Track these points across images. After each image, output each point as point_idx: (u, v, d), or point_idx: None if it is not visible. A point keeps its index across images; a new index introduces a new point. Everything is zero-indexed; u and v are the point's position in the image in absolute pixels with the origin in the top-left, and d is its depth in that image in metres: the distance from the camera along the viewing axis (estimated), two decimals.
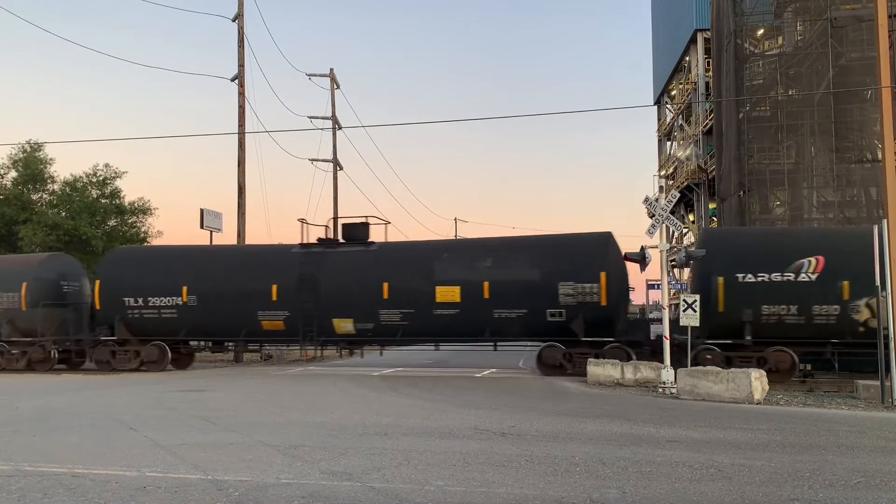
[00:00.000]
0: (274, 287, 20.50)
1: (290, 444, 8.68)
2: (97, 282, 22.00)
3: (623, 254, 16.83)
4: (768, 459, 7.90)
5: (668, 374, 15.13)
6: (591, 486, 6.66)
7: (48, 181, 33.85)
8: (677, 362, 15.44)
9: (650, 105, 54.28)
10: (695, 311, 15.68)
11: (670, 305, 16.71)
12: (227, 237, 30.28)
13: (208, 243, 28.62)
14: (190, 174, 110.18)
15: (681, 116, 45.51)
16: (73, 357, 22.62)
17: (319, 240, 22.16)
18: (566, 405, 12.99)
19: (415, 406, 12.81)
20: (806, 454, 8.28)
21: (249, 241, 28.24)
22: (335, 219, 22.43)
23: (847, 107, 27.25)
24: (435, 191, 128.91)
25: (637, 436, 9.50)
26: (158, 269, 22.10)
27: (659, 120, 53.43)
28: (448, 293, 19.36)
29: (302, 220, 22.52)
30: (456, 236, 66.74)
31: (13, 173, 33.35)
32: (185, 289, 21.00)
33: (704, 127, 38.66)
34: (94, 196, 33.37)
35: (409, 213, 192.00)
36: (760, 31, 31.26)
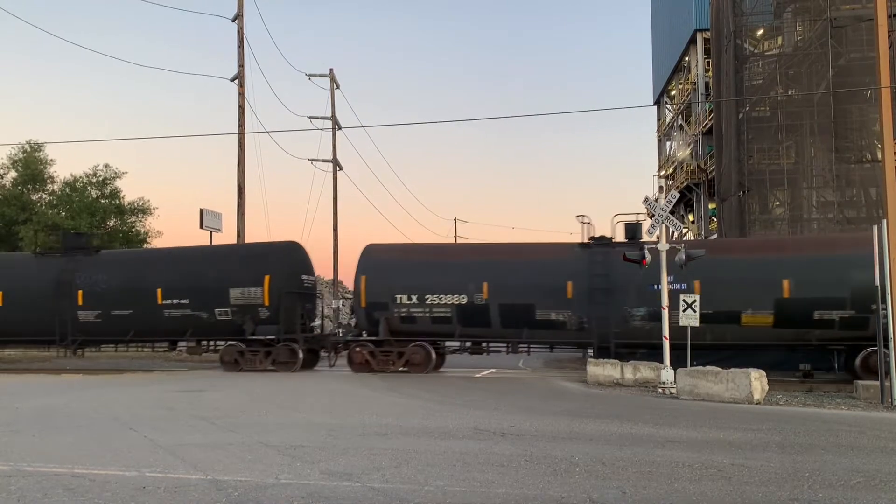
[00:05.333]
0: None
1: (289, 445, 8.68)
2: None
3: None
4: (768, 460, 7.90)
5: (667, 374, 15.13)
6: (591, 486, 6.66)
7: (48, 181, 33.89)
8: None
9: (650, 105, 54.29)
10: (694, 311, 15.68)
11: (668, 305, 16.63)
12: (226, 237, 30.28)
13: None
14: (189, 174, 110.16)
15: (681, 116, 45.51)
16: None
17: None
18: (566, 405, 12.99)
19: (415, 406, 12.82)
20: (806, 454, 8.28)
21: (249, 241, 28.20)
22: None
23: (847, 107, 27.25)
24: (435, 191, 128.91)
25: (637, 436, 9.50)
26: None
27: (659, 120, 53.42)
28: None
29: None
30: (456, 237, 66.73)
31: (13, 173, 33.39)
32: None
33: (704, 127, 38.66)
34: (94, 196, 33.40)
35: (408, 213, 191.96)
36: (760, 31, 31.27)
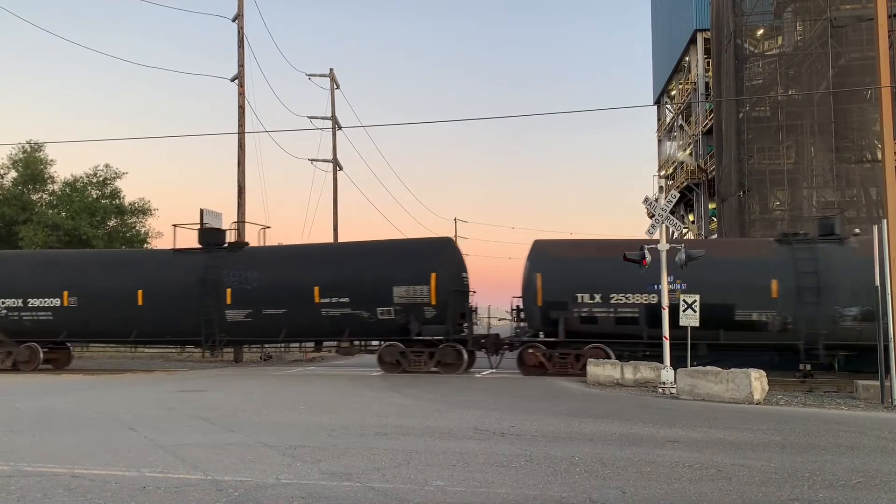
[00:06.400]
0: None
1: (289, 445, 8.68)
2: None
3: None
4: (768, 459, 7.90)
5: (667, 374, 15.13)
6: (591, 486, 6.65)
7: (48, 181, 33.86)
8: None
9: (650, 105, 54.31)
10: (694, 311, 15.66)
11: (669, 305, 16.61)
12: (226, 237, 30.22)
13: None
14: (190, 174, 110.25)
15: (681, 116, 45.51)
16: None
17: None
18: (566, 405, 12.98)
19: (415, 406, 12.81)
20: (806, 454, 8.28)
21: (249, 241, 28.18)
22: None
23: (847, 107, 27.27)
24: (435, 191, 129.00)
25: (637, 436, 9.50)
26: None
27: (659, 120, 53.42)
28: None
29: None
30: (456, 236, 66.69)
31: (13, 173, 33.37)
32: None
33: (704, 127, 38.66)
34: (94, 196, 33.38)
35: (408, 213, 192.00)
36: (760, 31, 31.29)
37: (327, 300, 19.87)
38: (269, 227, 27.54)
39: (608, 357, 18.23)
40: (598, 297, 18.28)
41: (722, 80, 30.62)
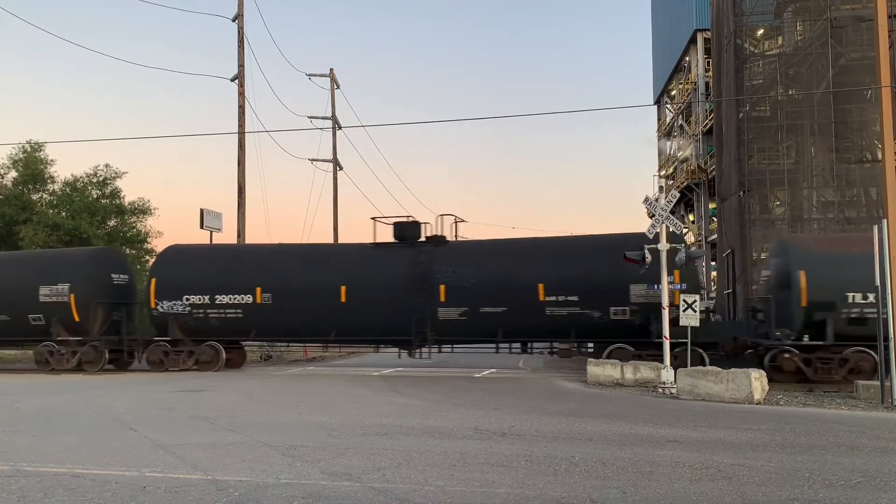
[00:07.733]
0: None
1: (289, 445, 8.69)
2: None
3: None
4: (768, 459, 7.90)
5: (668, 374, 15.13)
6: (591, 486, 6.66)
7: (48, 181, 33.85)
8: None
9: (650, 105, 54.34)
10: (695, 311, 15.66)
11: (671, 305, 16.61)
12: (226, 237, 30.25)
13: None
14: (190, 174, 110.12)
15: (681, 116, 45.51)
16: None
17: None
18: (566, 405, 12.99)
19: (415, 406, 12.82)
20: (806, 454, 8.28)
21: (249, 241, 28.19)
22: None
23: (847, 107, 27.24)
24: (435, 191, 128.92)
25: (637, 436, 9.50)
26: None
27: (659, 120, 53.44)
28: None
29: None
30: (456, 236, 66.61)
31: (13, 173, 33.36)
32: None
33: (704, 127, 38.67)
34: (95, 196, 33.35)
35: (409, 213, 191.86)
36: (760, 31, 31.29)
37: (553, 298, 18.65)
38: (464, 221, 24.83)
39: (874, 363, 16.22)
40: (871, 297, 16.15)
41: (722, 80, 30.60)
